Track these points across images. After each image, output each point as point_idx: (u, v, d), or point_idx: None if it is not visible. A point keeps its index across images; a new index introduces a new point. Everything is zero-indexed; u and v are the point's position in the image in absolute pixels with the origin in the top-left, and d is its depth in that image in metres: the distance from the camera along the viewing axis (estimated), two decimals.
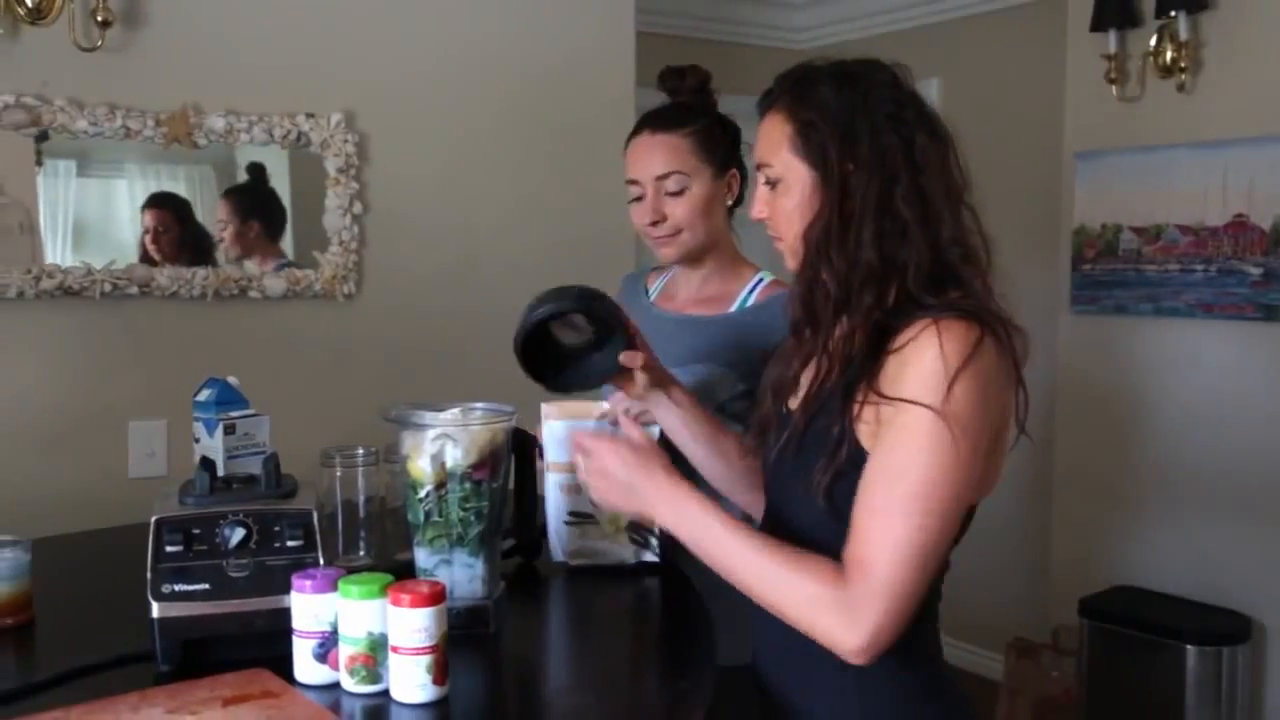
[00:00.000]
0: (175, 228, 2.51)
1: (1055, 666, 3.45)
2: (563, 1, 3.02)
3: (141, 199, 2.50)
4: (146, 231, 2.48)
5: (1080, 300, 3.58)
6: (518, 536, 1.76)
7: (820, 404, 1.28)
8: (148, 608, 1.33)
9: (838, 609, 1.18)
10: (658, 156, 1.79)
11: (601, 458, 1.36)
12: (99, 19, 2.34)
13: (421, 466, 1.39)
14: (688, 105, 1.86)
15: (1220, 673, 3.11)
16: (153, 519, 1.31)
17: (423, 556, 1.43)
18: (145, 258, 2.48)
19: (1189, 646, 3.10)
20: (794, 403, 1.36)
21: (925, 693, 1.34)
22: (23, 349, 2.38)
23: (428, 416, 1.40)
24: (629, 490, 1.33)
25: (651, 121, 1.83)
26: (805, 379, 1.35)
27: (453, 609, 1.33)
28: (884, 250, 1.24)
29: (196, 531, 1.31)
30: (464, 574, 1.41)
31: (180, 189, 2.54)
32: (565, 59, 3.01)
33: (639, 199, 1.83)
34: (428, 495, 1.40)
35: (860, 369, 1.24)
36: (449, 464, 1.39)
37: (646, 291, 2.00)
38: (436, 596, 1.20)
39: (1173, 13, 3.15)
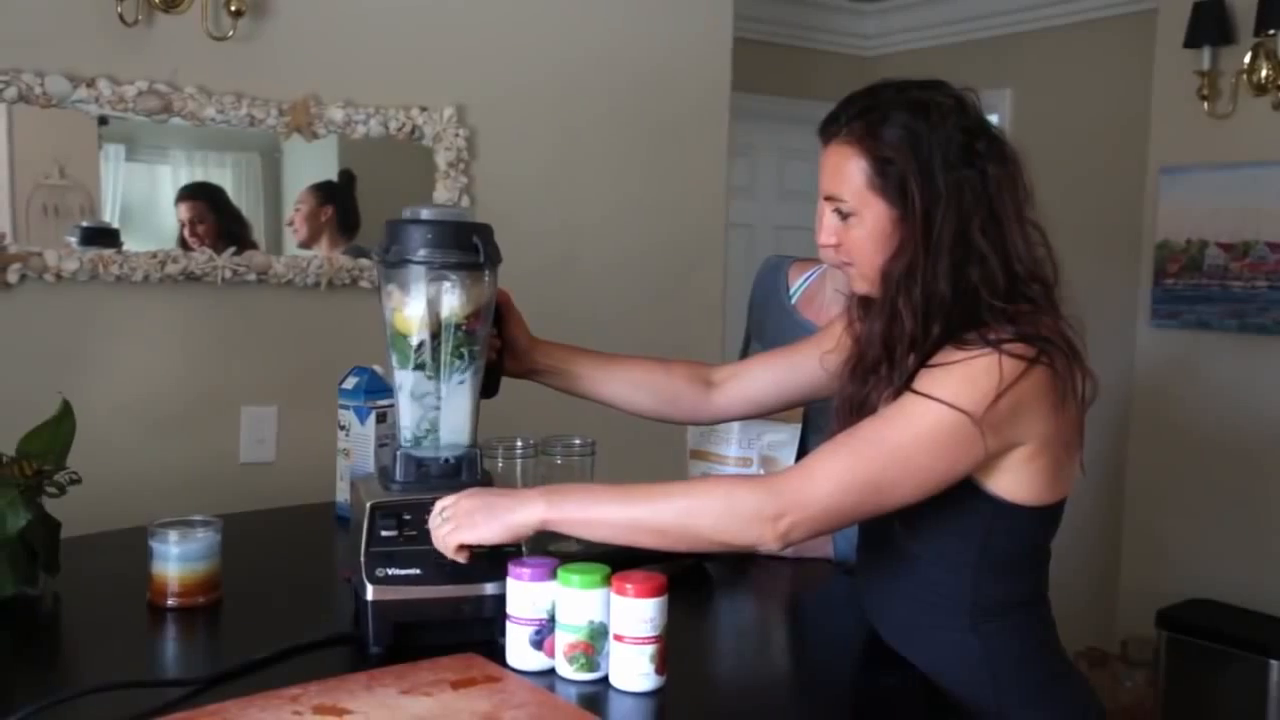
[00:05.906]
0: (210, 217, 2.47)
1: (1128, 677, 3.46)
2: (664, 5, 3.04)
3: (185, 184, 2.48)
4: (183, 224, 2.44)
5: (1160, 314, 3.59)
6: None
7: None
8: (341, 590, 1.35)
9: (759, 491, 1.25)
10: None
11: (449, 506, 1.31)
12: (231, 8, 2.36)
13: (411, 317, 1.38)
14: None
15: None
16: (368, 504, 1.32)
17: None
18: (184, 246, 2.43)
19: (1272, 661, 3.11)
20: None
21: (1054, 672, 1.47)
22: (147, 332, 2.40)
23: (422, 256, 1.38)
24: (490, 514, 1.29)
25: None
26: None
27: (442, 458, 1.39)
28: (958, 281, 1.27)
29: (408, 517, 1.32)
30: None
31: (226, 175, 2.52)
32: (665, 62, 3.03)
33: None
34: (421, 346, 1.38)
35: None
36: (444, 314, 1.39)
37: (788, 290, 1.98)
38: (661, 587, 1.22)
39: (1271, 30, 3.16)
